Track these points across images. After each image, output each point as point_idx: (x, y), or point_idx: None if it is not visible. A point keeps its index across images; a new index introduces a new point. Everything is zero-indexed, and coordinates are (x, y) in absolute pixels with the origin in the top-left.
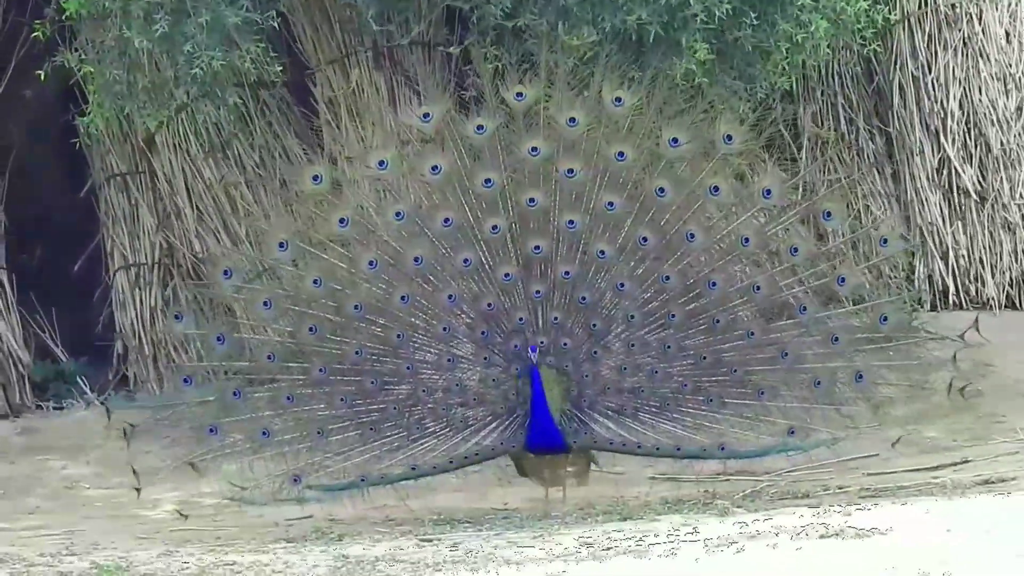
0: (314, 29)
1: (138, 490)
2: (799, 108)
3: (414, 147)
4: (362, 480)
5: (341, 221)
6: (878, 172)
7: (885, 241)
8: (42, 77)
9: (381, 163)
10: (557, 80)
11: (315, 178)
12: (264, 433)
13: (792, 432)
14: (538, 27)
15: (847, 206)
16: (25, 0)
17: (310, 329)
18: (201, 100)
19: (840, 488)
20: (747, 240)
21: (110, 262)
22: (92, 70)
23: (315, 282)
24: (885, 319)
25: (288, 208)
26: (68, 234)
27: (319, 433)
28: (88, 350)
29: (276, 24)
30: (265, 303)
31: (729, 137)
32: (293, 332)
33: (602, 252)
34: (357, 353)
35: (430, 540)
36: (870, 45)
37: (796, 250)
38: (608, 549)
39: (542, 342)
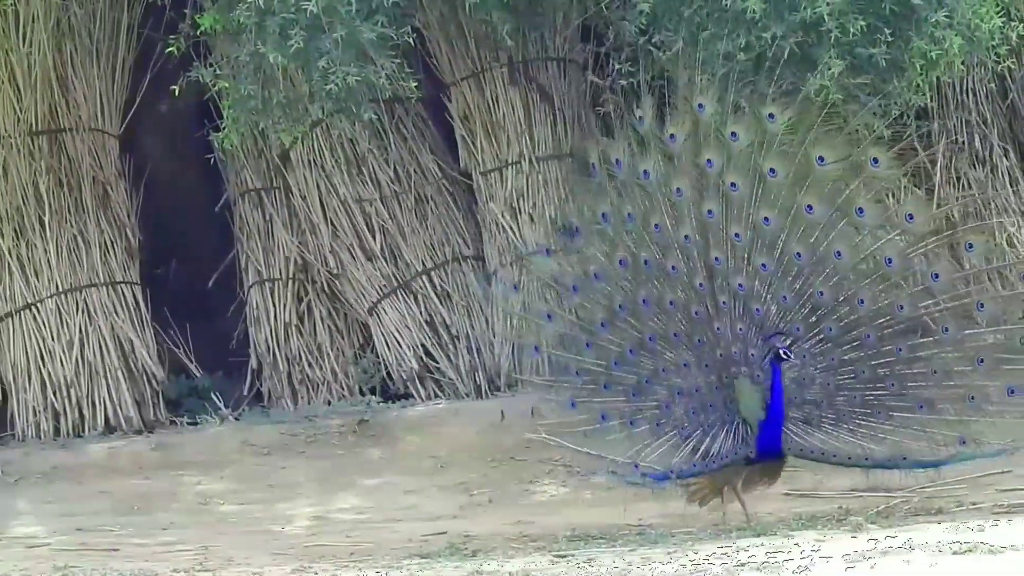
0: (449, 45)
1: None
2: (933, 125)
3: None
4: (671, 472)
5: (603, 216)
6: (1012, 189)
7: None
8: (176, 92)
9: (617, 162)
10: (723, 95)
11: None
12: (603, 416)
13: (963, 442)
14: (673, 43)
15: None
16: (160, 15)
17: (602, 324)
18: (336, 116)
19: (974, 504)
20: (890, 260)
21: (244, 277)
22: (227, 85)
23: (595, 276)
24: None
25: (424, 224)
26: (202, 249)
27: (630, 424)
28: (222, 366)
29: (411, 40)
30: (574, 287)
31: (876, 160)
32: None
33: (764, 265)
34: (631, 352)
35: (564, 556)
36: (1004, 62)
37: (937, 276)
38: (742, 565)
39: (780, 352)
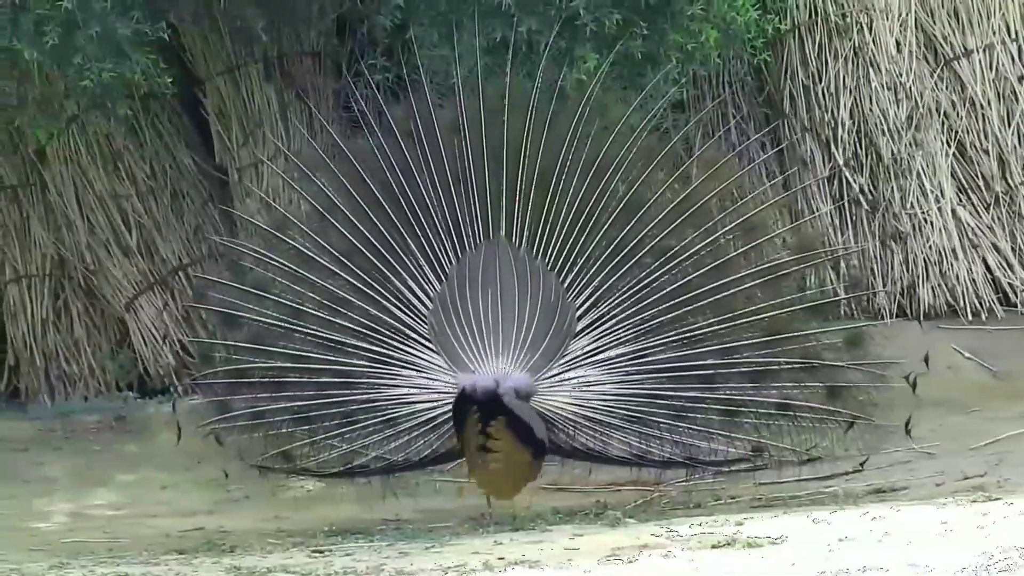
0: (204, 40)
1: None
2: (690, 118)
3: None
4: None
5: None
6: (768, 182)
7: None
8: None
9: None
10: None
11: None
12: None
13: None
14: (428, 38)
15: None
16: None
17: None
18: (92, 112)
19: (732, 498)
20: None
21: (1, 275)
22: None
23: None
24: None
25: (180, 219)
26: None
27: None
28: None
29: (166, 36)
30: None
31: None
32: None
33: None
34: None
35: (322, 552)
36: (760, 55)
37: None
38: (501, 559)
39: None
